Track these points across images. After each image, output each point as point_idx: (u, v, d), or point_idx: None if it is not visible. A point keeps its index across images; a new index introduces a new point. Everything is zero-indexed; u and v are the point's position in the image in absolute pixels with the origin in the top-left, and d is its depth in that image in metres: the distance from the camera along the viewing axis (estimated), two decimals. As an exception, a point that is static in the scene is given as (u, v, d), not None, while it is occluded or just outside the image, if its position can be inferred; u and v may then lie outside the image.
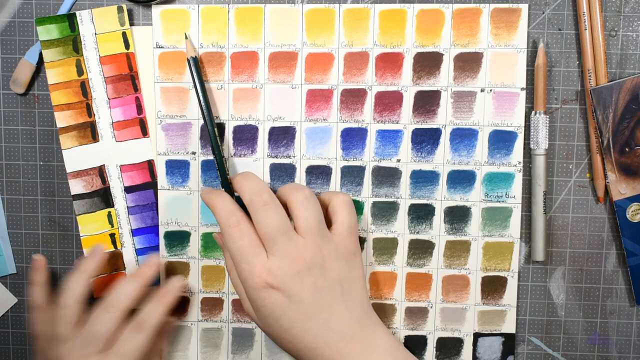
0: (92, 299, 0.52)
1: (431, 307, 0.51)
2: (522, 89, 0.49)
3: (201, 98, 0.48)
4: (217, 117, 0.50)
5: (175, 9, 0.49)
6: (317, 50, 0.49)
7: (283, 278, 0.43)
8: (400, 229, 0.50)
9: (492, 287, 0.50)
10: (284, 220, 0.44)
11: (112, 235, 0.51)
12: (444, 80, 0.49)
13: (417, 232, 0.50)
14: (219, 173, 0.48)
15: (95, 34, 0.49)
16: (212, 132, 0.47)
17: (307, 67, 0.49)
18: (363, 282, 0.46)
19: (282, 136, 0.50)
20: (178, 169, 0.50)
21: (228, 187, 0.47)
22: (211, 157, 0.50)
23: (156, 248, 0.51)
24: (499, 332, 0.51)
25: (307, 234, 0.44)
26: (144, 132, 0.50)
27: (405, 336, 0.51)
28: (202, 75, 0.48)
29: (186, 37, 0.48)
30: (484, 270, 0.50)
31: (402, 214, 0.50)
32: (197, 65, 0.48)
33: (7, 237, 0.52)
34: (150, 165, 0.51)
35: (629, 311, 0.51)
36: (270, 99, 0.50)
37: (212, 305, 0.51)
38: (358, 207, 0.47)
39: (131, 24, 0.50)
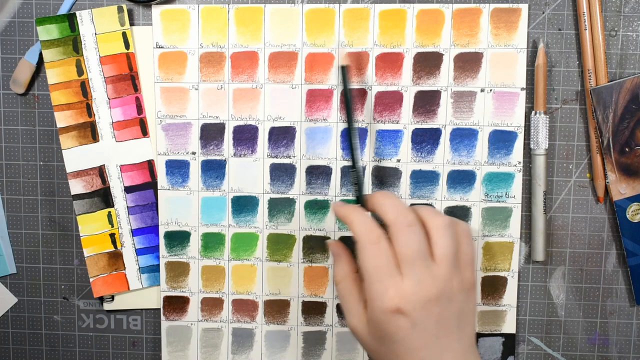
0: (100, 299, 0.52)
1: (431, 307, 0.51)
2: (522, 89, 0.49)
3: (350, 108, 0.46)
4: (217, 117, 0.50)
5: (175, 9, 0.49)
6: (317, 50, 0.49)
7: (414, 305, 0.41)
8: (400, 229, 0.50)
9: (492, 287, 0.50)
10: (425, 245, 0.42)
11: (112, 235, 0.51)
12: (444, 80, 0.49)
13: (417, 232, 0.50)
14: (355, 188, 0.45)
15: (95, 34, 0.49)
16: (355, 144, 0.45)
17: (307, 67, 0.49)
18: (474, 317, 0.44)
19: (282, 136, 0.50)
20: (178, 169, 0.50)
21: (362, 202, 0.45)
22: (211, 158, 0.50)
23: (156, 248, 0.51)
24: (499, 332, 0.51)
25: (443, 262, 0.42)
26: (144, 132, 0.50)
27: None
28: (349, 85, 0.47)
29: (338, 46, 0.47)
30: (484, 270, 0.50)
31: (402, 214, 0.50)
32: (345, 74, 0.46)
33: (7, 237, 0.52)
34: (150, 165, 0.51)
35: (629, 311, 0.51)
36: (270, 99, 0.50)
37: (212, 305, 0.51)
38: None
39: (131, 24, 0.50)
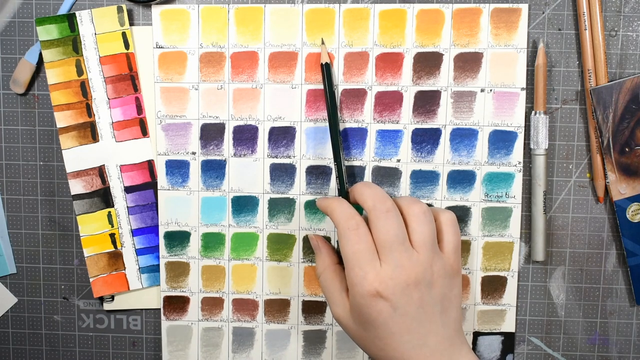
0: (100, 299, 0.52)
1: (431, 307, 0.51)
2: (522, 89, 0.49)
3: (329, 105, 0.47)
4: (217, 117, 0.50)
5: (175, 9, 0.49)
6: (317, 50, 0.49)
7: (393, 289, 0.42)
8: (400, 229, 0.50)
9: (492, 286, 0.50)
10: (403, 231, 0.43)
11: (112, 235, 0.51)
12: (444, 80, 0.49)
13: (417, 232, 0.50)
14: (337, 180, 0.47)
15: (95, 34, 0.49)
16: (337, 139, 0.47)
17: (307, 67, 0.49)
18: (460, 301, 0.45)
19: (282, 136, 0.50)
20: (178, 169, 0.50)
21: (345, 194, 0.47)
22: (211, 158, 0.50)
23: (156, 248, 0.51)
24: (498, 331, 0.51)
25: (421, 248, 0.43)
26: (144, 132, 0.50)
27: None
28: (333, 82, 0.48)
29: (322, 42, 0.48)
30: (484, 270, 0.50)
31: (402, 214, 0.50)
32: (329, 71, 0.48)
33: (7, 237, 0.52)
34: (150, 165, 0.51)
35: (629, 311, 0.51)
36: (270, 99, 0.50)
37: (212, 305, 0.52)
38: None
39: (131, 24, 0.50)
